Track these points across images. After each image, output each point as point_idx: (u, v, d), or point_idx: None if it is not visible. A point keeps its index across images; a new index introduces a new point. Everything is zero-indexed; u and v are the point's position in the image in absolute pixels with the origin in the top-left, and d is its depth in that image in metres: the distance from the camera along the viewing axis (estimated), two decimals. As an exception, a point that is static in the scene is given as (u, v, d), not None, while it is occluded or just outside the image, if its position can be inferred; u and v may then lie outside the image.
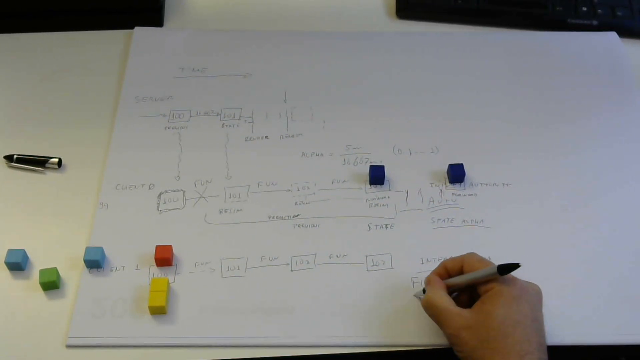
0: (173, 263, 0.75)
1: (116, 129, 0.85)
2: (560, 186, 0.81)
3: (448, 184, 0.81)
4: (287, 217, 0.79)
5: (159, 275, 0.74)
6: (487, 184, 0.81)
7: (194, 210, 0.79)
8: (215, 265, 0.75)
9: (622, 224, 0.79)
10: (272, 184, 0.81)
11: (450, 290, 0.68)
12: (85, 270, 0.74)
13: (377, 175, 0.81)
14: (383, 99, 0.89)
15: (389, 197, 0.80)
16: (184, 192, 0.80)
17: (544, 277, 0.68)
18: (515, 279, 0.65)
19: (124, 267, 0.74)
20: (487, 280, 0.65)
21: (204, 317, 0.71)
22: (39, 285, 0.73)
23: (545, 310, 0.66)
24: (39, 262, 0.75)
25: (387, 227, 0.78)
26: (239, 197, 0.80)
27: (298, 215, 0.79)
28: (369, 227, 0.78)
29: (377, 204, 0.80)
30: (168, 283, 0.72)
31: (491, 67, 0.93)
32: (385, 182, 0.81)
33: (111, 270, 0.74)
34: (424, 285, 0.69)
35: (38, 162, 0.82)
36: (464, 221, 0.78)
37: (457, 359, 0.66)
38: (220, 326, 0.71)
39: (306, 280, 0.74)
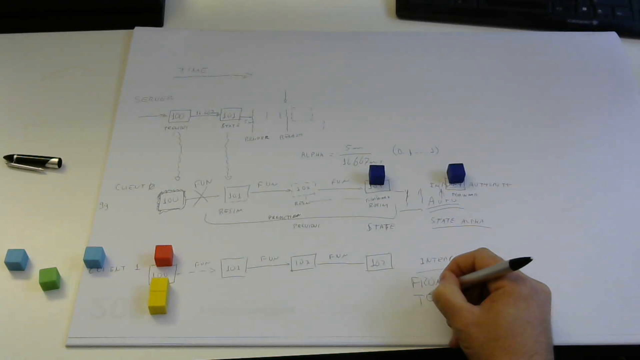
0: (173, 263, 0.75)
1: (116, 129, 0.85)
2: (560, 186, 0.81)
3: (448, 184, 0.81)
4: (287, 217, 0.78)
5: (159, 275, 0.74)
6: (487, 184, 0.81)
7: (194, 210, 0.79)
8: (215, 265, 0.75)
9: (622, 224, 0.79)
10: (272, 184, 0.81)
11: (463, 288, 0.68)
12: (85, 270, 0.74)
13: (377, 175, 0.81)
14: (383, 99, 0.89)
15: (389, 197, 0.80)
16: (184, 192, 0.80)
17: (544, 277, 0.68)
18: (525, 278, 0.65)
19: (124, 267, 0.74)
20: (498, 276, 0.65)
21: (204, 317, 0.71)
22: (39, 285, 0.73)
23: (547, 309, 0.66)
24: (39, 262, 0.75)
25: (387, 227, 0.78)
26: (239, 197, 0.80)
27: (298, 215, 0.79)
28: (369, 227, 0.78)
29: (377, 204, 0.80)
30: (168, 283, 0.72)
31: (491, 67, 0.93)
32: (385, 182, 0.81)
33: (111, 270, 0.74)
34: (437, 282, 0.69)
35: (38, 162, 0.82)
36: (464, 221, 0.79)
37: (458, 359, 0.66)
38: (220, 326, 0.71)
39: (306, 280, 0.74)
